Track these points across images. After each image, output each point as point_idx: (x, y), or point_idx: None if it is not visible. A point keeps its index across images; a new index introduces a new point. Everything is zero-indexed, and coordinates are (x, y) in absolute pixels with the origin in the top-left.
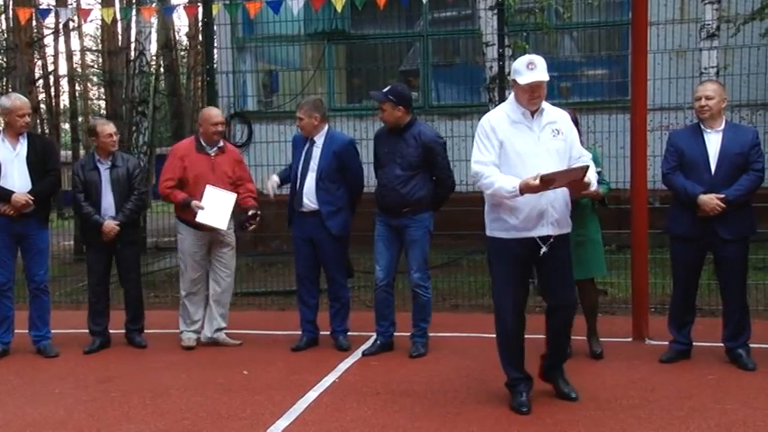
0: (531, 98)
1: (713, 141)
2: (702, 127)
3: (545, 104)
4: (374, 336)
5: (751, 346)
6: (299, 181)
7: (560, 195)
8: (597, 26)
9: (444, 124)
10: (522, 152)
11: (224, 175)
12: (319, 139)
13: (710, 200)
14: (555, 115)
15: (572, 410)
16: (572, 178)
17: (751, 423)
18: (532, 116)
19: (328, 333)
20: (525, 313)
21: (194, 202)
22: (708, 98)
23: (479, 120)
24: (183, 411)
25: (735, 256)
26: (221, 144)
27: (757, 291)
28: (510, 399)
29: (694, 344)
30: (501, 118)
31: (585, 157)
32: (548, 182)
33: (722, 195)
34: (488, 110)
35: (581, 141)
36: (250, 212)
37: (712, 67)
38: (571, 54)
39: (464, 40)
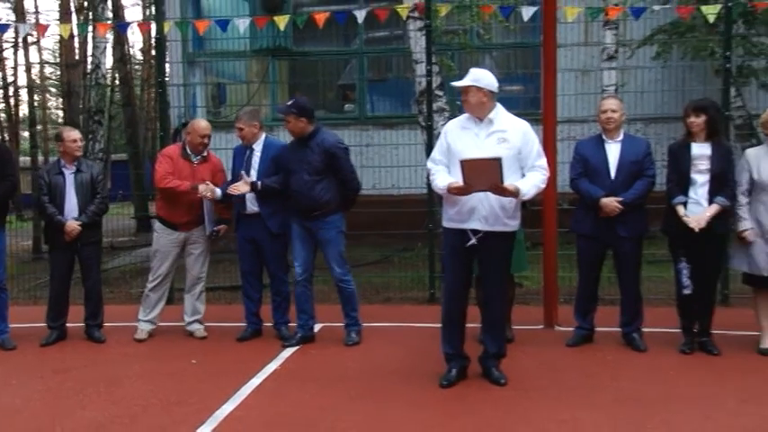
0: (463, 102)
1: (613, 151)
2: (604, 138)
3: (498, 114)
4: (317, 326)
5: (643, 330)
6: None
7: (492, 195)
8: (513, 47)
9: (378, 133)
10: (462, 154)
11: (203, 182)
12: (257, 147)
13: (610, 202)
14: (506, 125)
15: (490, 391)
16: (485, 170)
17: (642, 398)
18: (480, 123)
19: (271, 325)
20: (466, 300)
21: (201, 186)
22: (613, 111)
23: (410, 129)
24: (135, 398)
25: (631, 252)
26: (205, 154)
27: (649, 282)
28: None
29: (596, 329)
30: (455, 123)
31: (538, 171)
32: (468, 186)
33: (620, 198)
34: (418, 121)
35: None
36: (220, 225)
37: (612, 84)
38: (491, 71)
39: (396, 57)
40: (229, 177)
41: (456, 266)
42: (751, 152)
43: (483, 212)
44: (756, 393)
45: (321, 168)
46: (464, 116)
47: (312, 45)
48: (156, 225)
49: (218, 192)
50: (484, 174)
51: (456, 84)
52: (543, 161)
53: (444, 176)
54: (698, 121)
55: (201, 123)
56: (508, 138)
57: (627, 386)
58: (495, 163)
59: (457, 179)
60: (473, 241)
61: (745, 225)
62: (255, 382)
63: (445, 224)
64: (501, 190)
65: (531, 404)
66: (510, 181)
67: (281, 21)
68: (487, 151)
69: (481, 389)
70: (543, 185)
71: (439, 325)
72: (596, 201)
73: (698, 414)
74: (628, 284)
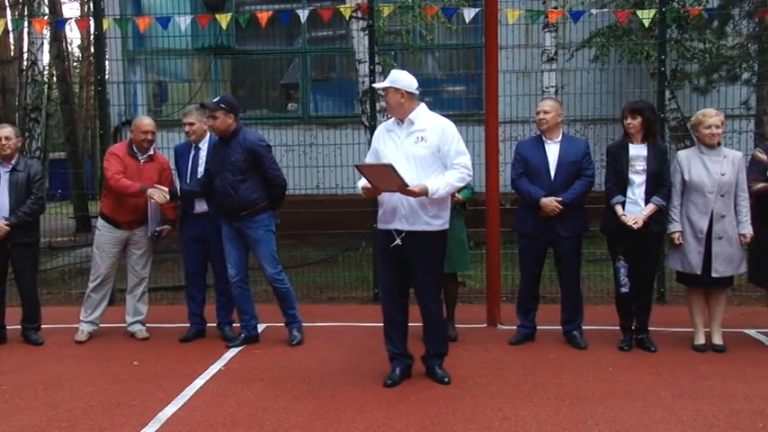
0: (386, 103)
1: (552, 151)
2: (543, 138)
3: (419, 114)
4: (259, 326)
5: (583, 327)
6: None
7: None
8: (456, 48)
9: (321, 133)
10: (386, 156)
11: (150, 181)
12: (204, 145)
13: (550, 202)
14: (425, 124)
15: (434, 389)
16: (383, 173)
17: (583, 394)
18: (402, 124)
19: (215, 325)
20: (403, 299)
21: (150, 190)
22: (545, 112)
23: (353, 129)
24: (75, 401)
25: (571, 251)
26: (151, 152)
27: (589, 280)
28: None
29: (538, 327)
30: (383, 126)
31: (455, 170)
32: (375, 187)
33: (560, 199)
34: (361, 120)
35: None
36: (165, 226)
37: (552, 86)
38: (434, 72)
39: (339, 57)
40: (176, 177)
41: (389, 267)
42: (682, 154)
43: (403, 212)
44: (691, 388)
45: (245, 167)
46: (392, 119)
47: (255, 44)
48: (99, 222)
49: (168, 197)
50: (384, 177)
51: (375, 86)
52: (463, 159)
53: (363, 179)
54: (634, 122)
55: (144, 120)
56: (426, 137)
57: (568, 383)
58: (389, 168)
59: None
60: (397, 241)
61: (675, 227)
62: (199, 383)
63: (378, 225)
64: (406, 191)
65: (474, 402)
66: (431, 179)
67: (224, 19)
68: (406, 151)
69: (425, 387)
70: (460, 184)
71: (381, 324)
72: (536, 201)
73: (636, 409)
74: (568, 283)
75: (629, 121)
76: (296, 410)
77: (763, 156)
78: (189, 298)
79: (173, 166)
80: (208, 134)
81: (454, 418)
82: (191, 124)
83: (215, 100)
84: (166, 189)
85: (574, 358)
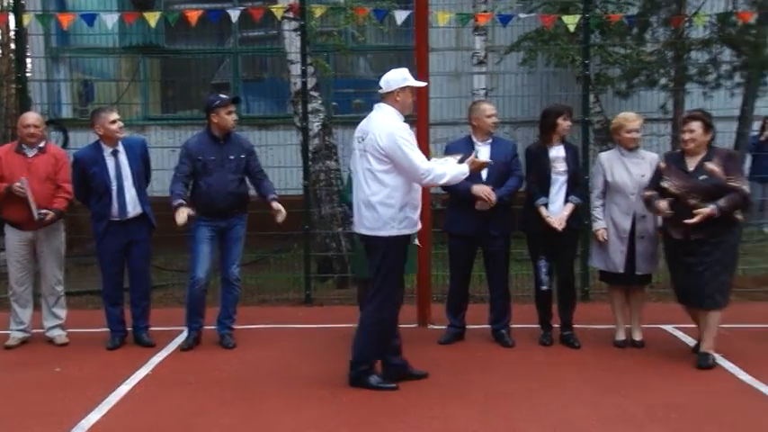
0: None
1: (483, 152)
2: (474, 140)
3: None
4: (186, 331)
5: (511, 326)
6: (116, 192)
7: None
8: (387, 50)
9: (253, 134)
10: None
11: (42, 175)
12: (120, 147)
13: (483, 188)
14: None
15: (364, 390)
16: None
17: (510, 392)
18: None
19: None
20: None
21: (15, 184)
22: (495, 115)
23: (285, 130)
24: None
25: (500, 250)
26: (42, 145)
27: (517, 279)
28: None
29: (467, 327)
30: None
31: None
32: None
33: (491, 187)
34: (293, 122)
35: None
36: (43, 211)
37: (482, 89)
38: (366, 73)
39: (271, 57)
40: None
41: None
42: (604, 156)
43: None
44: (611, 383)
45: (243, 166)
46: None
47: (185, 43)
48: (5, 227)
49: (23, 186)
50: None
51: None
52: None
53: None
54: (568, 122)
55: (28, 115)
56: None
57: (496, 381)
58: None
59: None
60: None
61: (599, 225)
62: (124, 389)
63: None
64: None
65: (404, 402)
66: None
67: (152, 17)
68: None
69: (355, 388)
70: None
71: (316, 326)
72: (469, 192)
73: (560, 405)
74: (497, 282)
75: (568, 122)
76: (225, 414)
77: (662, 164)
78: (113, 305)
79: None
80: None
81: (384, 418)
82: (115, 122)
83: (224, 96)
84: (24, 179)
85: (502, 357)
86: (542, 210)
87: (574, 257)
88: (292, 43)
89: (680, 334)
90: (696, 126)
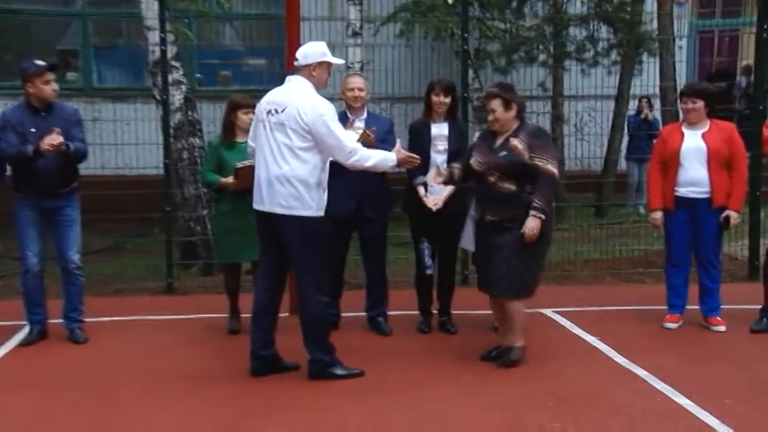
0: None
1: (359, 129)
2: (349, 115)
3: None
4: (27, 325)
5: (388, 313)
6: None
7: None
8: (256, 18)
9: (107, 107)
10: None
11: None
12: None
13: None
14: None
15: (236, 384)
16: None
17: (386, 382)
18: None
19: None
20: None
21: None
22: (360, 90)
23: (143, 103)
24: None
25: (376, 233)
26: None
27: (395, 264)
28: None
29: (342, 314)
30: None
31: None
32: None
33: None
34: (152, 94)
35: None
36: None
37: (357, 62)
38: (232, 43)
39: (127, 22)
40: None
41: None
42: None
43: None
44: (490, 371)
45: (68, 140)
46: None
47: (24, 2)
48: None
49: None
50: None
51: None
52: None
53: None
54: (446, 100)
55: None
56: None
57: (372, 371)
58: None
59: None
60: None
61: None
62: None
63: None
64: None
65: (275, 395)
66: None
67: None
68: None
69: (227, 383)
70: None
71: (179, 316)
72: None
73: (438, 395)
74: (373, 267)
75: (441, 98)
76: (74, 418)
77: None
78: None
79: None
80: None
81: (254, 413)
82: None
83: (42, 62)
84: None
85: (378, 346)
86: (420, 189)
87: (457, 240)
88: (150, 7)
89: (559, 318)
90: (496, 105)
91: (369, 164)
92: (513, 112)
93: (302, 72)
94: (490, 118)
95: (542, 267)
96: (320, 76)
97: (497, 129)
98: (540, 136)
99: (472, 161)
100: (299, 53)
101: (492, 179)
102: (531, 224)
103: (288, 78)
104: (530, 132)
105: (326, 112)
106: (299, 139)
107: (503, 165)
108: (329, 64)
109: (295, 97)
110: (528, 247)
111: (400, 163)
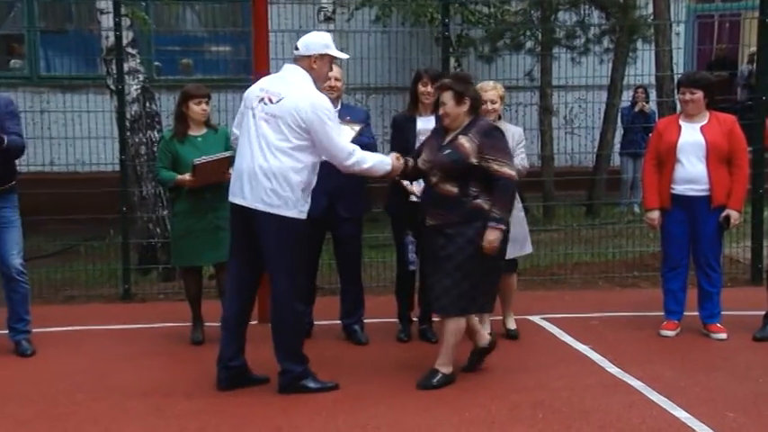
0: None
1: None
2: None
3: None
4: None
5: (365, 321)
6: None
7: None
8: (220, 1)
9: (56, 97)
10: None
11: None
12: None
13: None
14: None
15: (202, 399)
16: None
17: (363, 395)
18: None
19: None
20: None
21: None
22: (337, 80)
23: (96, 94)
24: None
25: (351, 235)
26: None
27: (372, 268)
28: None
29: (315, 323)
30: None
31: None
32: None
33: None
34: (106, 84)
35: None
36: None
37: None
38: (194, 29)
39: (77, 5)
40: None
41: None
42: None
43: None
44: (474, 383)
45: (1, 132)
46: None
47: None
48: None
49: None
50: None
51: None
52: None
53: None
54: (429, 89)
55: None
56: None
57: (348, 384)
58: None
59: None
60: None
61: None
62: None
63: None
64: None
65: (243, 412)
66: None
67: None
68: None
69: (191, 397)
70: None
71: (136, 326)
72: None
73: (419, 408)
74: (348, 271)
75: (429, 89)
76: None
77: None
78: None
79: None
80: None
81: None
82: None
83: None
84: None
85: (354, 356)
86: (404, 181)
87: None
88: None
89: (547, 324)
90: (447, 98)
91: (365, 167)
92: (465, 107)
93: (301, 62)
94: (440, 112)
95: (495, 282)
96: (321, 69)
97: (447, 124)
98: (491, 135)
99: (419, 159)
100: (301, 42)
101: (434, 179)
102: (491, 237)
103: (285, 66)
104: (481, 131)
105: (326, 110)
106: (292, 136)
107: (445, 164)
108: (332, 57)
109: (293, 89)
110: (476, 260)
111: (394, 170)
